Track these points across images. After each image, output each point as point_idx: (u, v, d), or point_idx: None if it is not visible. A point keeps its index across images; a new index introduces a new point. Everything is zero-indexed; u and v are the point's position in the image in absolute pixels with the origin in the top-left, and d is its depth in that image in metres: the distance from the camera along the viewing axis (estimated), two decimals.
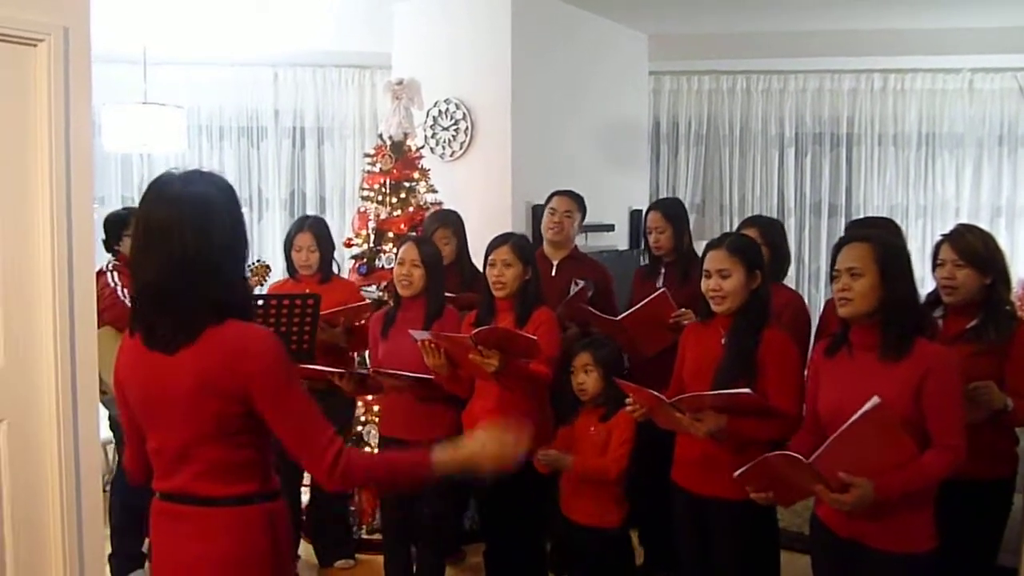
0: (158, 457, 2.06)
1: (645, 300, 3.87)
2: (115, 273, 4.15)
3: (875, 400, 2.30)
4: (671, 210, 4.32)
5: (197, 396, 1.93)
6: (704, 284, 3.07)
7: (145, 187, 2.03)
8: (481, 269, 4.37)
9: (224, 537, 2.00)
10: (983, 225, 5.89)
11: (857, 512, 2.45)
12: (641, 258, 4.54)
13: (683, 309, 3.76)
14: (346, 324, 4.09)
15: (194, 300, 1.93)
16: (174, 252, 1.92)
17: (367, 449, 4.71)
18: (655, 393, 2.96)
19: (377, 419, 4.47)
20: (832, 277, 2.67)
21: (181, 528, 2.03)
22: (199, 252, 1.92)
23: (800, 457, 2.43)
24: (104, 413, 3.88)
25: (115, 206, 6.32)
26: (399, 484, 2.13)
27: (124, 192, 6.81)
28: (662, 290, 3.90)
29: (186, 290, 1.92)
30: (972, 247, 3.02)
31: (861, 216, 6.93)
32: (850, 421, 2.33)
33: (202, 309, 1.93)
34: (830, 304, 3.83)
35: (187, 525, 2.02)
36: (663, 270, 4.28)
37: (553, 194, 4.44)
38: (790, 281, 4.04)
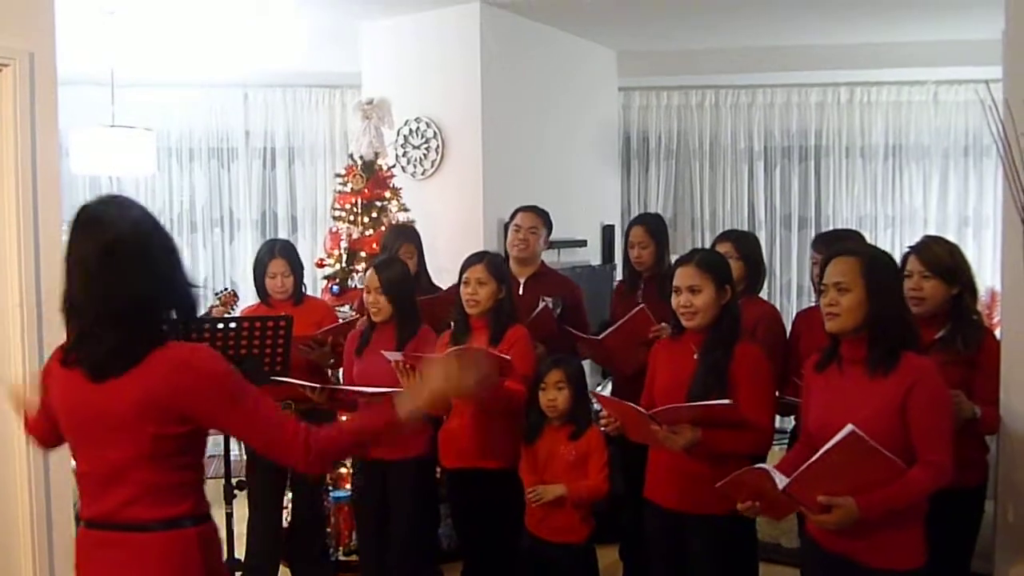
0: (86, 480, 2.05)
1: (625, 317, 3.88)
2: None
3: (848, 428, 2.28)
4: (654, 226, 4.32)
5: (136, 418, 1.92)
6: (674, 300, 3.07)
7: (71, 219, 2.02)
8: (439, 285, 4.38)
9: (157, 563, 1.98)
10: (950, 235, 5.98)
11: (843, 530, 2.43)
12: (614, 273, 4.55)
13: (662, 324, 3.77)
14: (334, 343, 4.08)
15: (125, 329, 1.93)
16: (103, 280, 1.92)
17: (343, 470, 4.69)
18: (633, 405, 2.96)
19: None
20: (819, 291, 2.68)
21: (110, 556, 2.01)
22: (129, 279, 1.93)
23: (772, 471, 2.43)
24: None
25: None
26: (371, 443, 2.15)
27: None
28: (641, 306, 3.90)
29: (116, 319, 1.93)
30: (939, 258, 3.06)
31: (831, 227, 7.01)
32: (824, 449, 2.32)
33: (141, 337, 1.94)
34: (801, 317, 3.86)
35: (117, 552, 2.00)
36: (643, 286, 4.28)
37: (517, 210, 4.41)
38: (762, 294, 4.06)
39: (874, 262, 2.59)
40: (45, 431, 2.20)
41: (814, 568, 2.72)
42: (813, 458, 2.35)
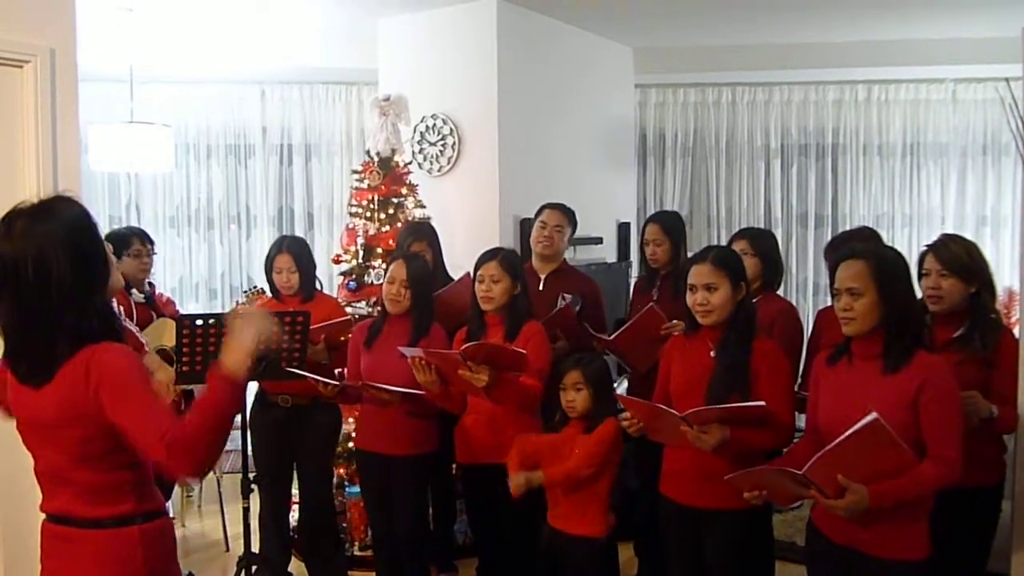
0: (39, 476, 2.13)
1: (635, 317, 3.89)
2: None
3: (872, 415, 2.31)
4: (669, 223, 4.32)
5: (60, 424, 1.99)
6: (690, 298, 3.07)
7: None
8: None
9: (99, 559, 2.05)
10: (968, 234, 5.94)
11: (852, 518, 2.46)
12: (630, 271, 4.55)
13: (674, 320, 3.77)
14: (328, 341, 4.08)
15: (45, 338, 1.98)
16: (19, 291, 1.97)
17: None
18: (662, 407, 2.94)
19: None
20: (833, 294, 2.69)
21: (63, 549, 2.09)
22: (42, 290, 1.96)
23: (792, 471, 2.45)
24: None
25: (103, 225, 6.30)
26: (223, 416, 2.01)
27: (112, 211, 6.79)
28: (650, 305, 3.91)
29: (44, 328, 1.98)
30: (956, 257, 3.05)
31: (847, 226, 6.98)
32: (846, 434, 2.34)
33: (55, 345, 1.98)
34: (822, 314, 3.85)
35: (67, 546, 2.08)
36: (659, 283, 4.29)
37: (544, 207, 4.42)
38: (779, 291, 4.06)
39: (883, 263, 2.61)
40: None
41: (820, 559, 2.74)
42: (834, 442, 2.37)
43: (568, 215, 4.40)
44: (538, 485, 3.36)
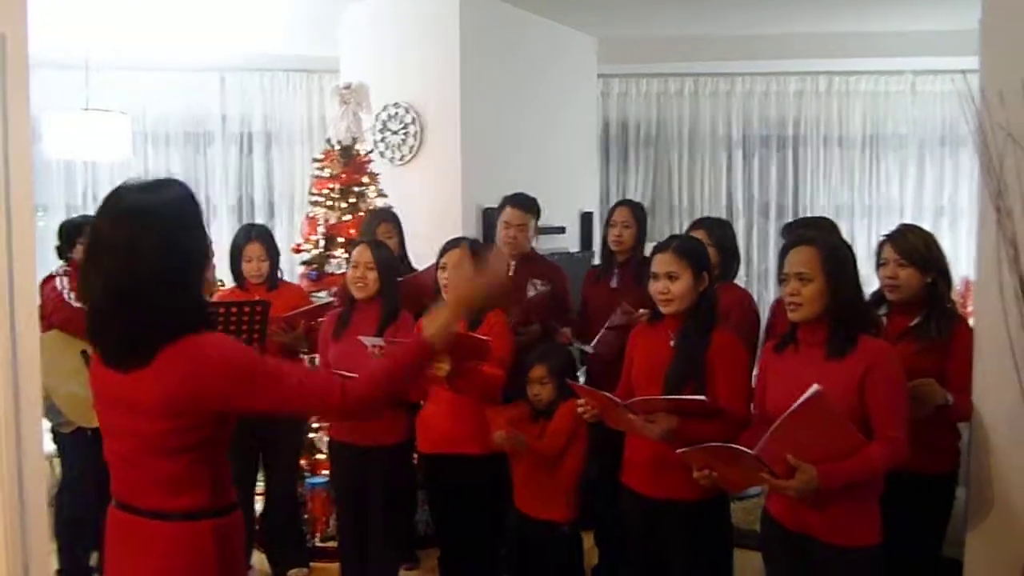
0: (111, 461, 2.06)
1: (611, 320, 3.88)
2: (65, 278, 4.09)
3: (815, 387, 2.35)
4: (639, 210, 4.34)
5: (149, 413, 1.91)
6: (652, 287, 3.08)
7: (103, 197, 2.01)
8: (420, 268, 4.38)
9: (168, 552, 1.98)
10: (926, 224, 6.00)
11: (803, 499, 2.49)
12: (592, 260, 4.56)
13: (641, 311, 3.78)
14: (306, 326, 4.07)
15: (140, 321, 1.90)
16: (120, 271, 1.89)
17: (320, 456, 4.68)
18: (608, 395, 2.97)
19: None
20: (780, 280, 2.72)
21: (129, 538, 2.02)
22: (143, 272, 1.89)
23: (744, 449, 2.48)
24: (47, 425, 3.81)
25: (59, 214, 6.21)
26: (410, 380, 2.11)
27: (68, 200, 6.70)
28: (623, 304, 3.90)
29: (131, 311, 1.89)
30: (913, 247, 3.08)
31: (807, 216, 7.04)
32: (791, 408, 2.38)
33: (150, 330, 1.90)
34: (778, 303, 3.88)
35: (136, 536, 2.00)
36: (616, 271, 4.29)
37: (505, 204, 4.39)
38: (739, 281, 4.08)
39: (833, 252, 2.65)
40: None
41: (775, 546, 2.77)
42: (780, 418, 2.41)
43: (530, 209, 4.37)
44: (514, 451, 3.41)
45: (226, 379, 1.91)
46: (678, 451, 2.64)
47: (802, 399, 2.36)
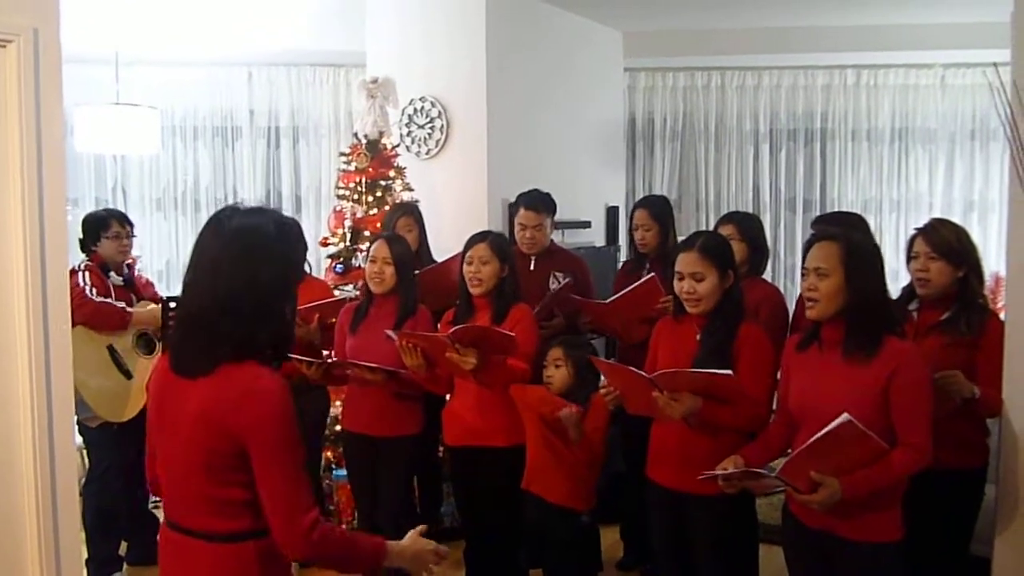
0: (163, 479, 2.09)
1: (635, 284, 3.89)
2: (86, 273, 4.11)
3: (845, 417, 2.35)
4: (657, 208, 4.32)
5: (196, 425, 1.94)
6: (677, 286, 3.07)
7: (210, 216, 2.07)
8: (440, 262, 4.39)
9: (216, 573, 2.00)
10: (956, 219, 5.95)
11: (826, 510, 2.49)
12: (618, 255, 4.55)
13: (669, 296, 3.77)
14: (321, 321, 4.08)
15: (219, 335, 1.93)
16: (214, 287, 1.94)
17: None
18: (633, 369, 2.96)
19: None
20: (803, 275, 2.70)
21: (181, 559, 2.05)
22: (233, 291, 1.93)
23: (764, 472, 2.54)
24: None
25: (89, 207, 6.26)
26: (355, 563, 2.10)
27: (98, 194, 6.75)
28: (651, 275, 3.90)
29: (214, 324, 1.93)
30: (945, 240, 3.05)
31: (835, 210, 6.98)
32: (819, 435, 2.38)
33: (223, 345, 1.93)
34: (802, 299, 3.86)
35: (185, 556, 2.03)
36: (648, 267, 4.28)
37: (519, 203, 4.40)
38: (765, 276, 4.06)
39: (855, 248, 2.62)
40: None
41: (797, 543, 2.78)
42: (805, 444, 2.42)
43: (544, 208, 4.36)
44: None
45: (261, 427, 1.91)
46: (699, 477, 2.69)
47: (831, 427, 2.35)
